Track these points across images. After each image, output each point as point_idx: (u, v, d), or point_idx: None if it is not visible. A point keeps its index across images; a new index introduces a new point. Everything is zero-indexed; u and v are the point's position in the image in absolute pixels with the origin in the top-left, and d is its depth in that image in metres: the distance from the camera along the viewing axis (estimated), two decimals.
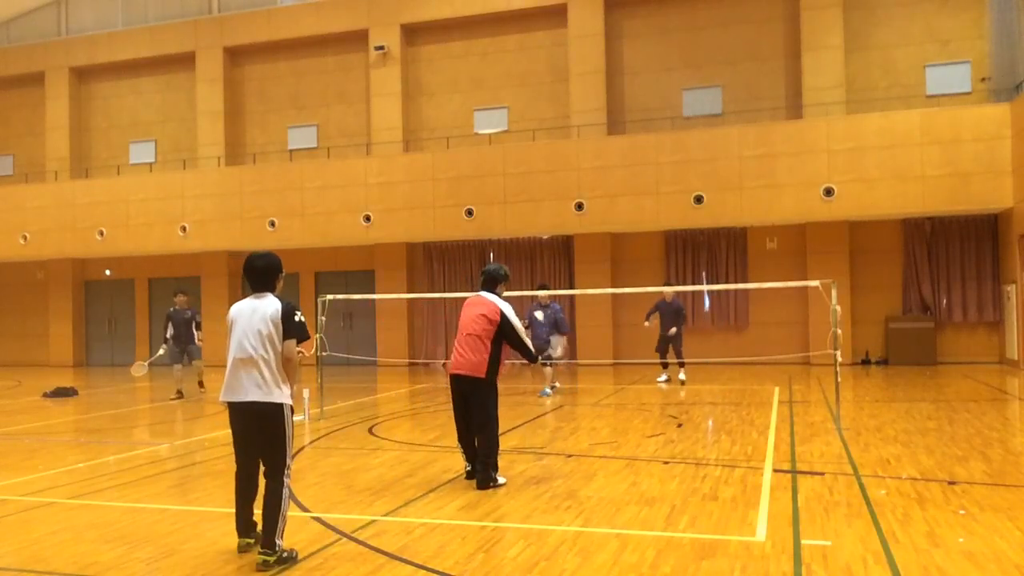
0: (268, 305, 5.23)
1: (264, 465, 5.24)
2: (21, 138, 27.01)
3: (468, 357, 7.18)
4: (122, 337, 25.84)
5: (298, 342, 5.22)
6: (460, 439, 7.47)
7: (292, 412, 5.25)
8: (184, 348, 15.49)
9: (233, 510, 5.48)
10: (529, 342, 7.47)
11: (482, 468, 7.08)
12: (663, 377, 16.13)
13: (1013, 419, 10.95)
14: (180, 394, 15.03)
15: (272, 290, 5.36)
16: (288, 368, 5.21)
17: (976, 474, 7.28)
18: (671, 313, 15.54)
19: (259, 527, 5.21)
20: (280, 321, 5.17)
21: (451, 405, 7.53)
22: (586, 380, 14.24)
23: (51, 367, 25.06)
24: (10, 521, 6.37)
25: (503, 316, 7.20)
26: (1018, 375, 16.55)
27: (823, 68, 19.80)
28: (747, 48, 20.87)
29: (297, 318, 5.22)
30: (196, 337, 15.65)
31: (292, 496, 5.15)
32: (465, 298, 7.73)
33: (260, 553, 5.06)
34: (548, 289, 14.83)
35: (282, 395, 5.18)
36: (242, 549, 5.32)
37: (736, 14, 20.96)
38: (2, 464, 8.85)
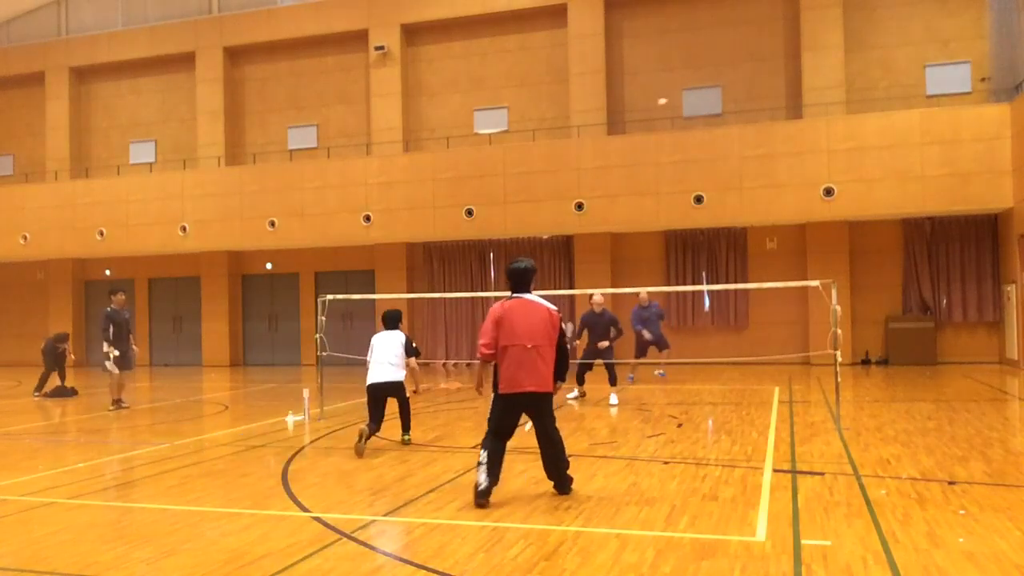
0: (398, 335, 9.58)
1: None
2: (21, 138, 27.02)
3: (540, 370, 6.52)
4: None
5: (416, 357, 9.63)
6: (495, 462, 6.52)
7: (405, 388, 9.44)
8: (123, 352, 13.85)
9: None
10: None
11: (566, 478, 6.79)
12: (574, 393, 13.79)
13: (1013, 419, 10.95)
14: (120, 403, 13.83)
15: (397, 327, 9.71)
16: (409, 371, 9.58)
17: (976, 474, 7.27)
18: (603, 326, 13.46)
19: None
20: (405, 345, 9.54)
21: (499, 416, 6.63)
22: (586, 380, 14.23)
23: None
24: (10, 521, 6.37)
25: (560, 322, 6.73)
26: (1018, 375, 16.55)
27: (823, 68, 19.81)
28: (747, 48, 20.88)
29: (413, 344, 9.65)
30: (132, 341, 14.16)
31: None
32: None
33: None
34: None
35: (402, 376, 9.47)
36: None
37: (736, 14, 20.97)
38: (2, 464, 8.86)
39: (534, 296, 6.78)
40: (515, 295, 6.78)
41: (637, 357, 16.68)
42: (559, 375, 6.76)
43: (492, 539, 5.54)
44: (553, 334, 6.62)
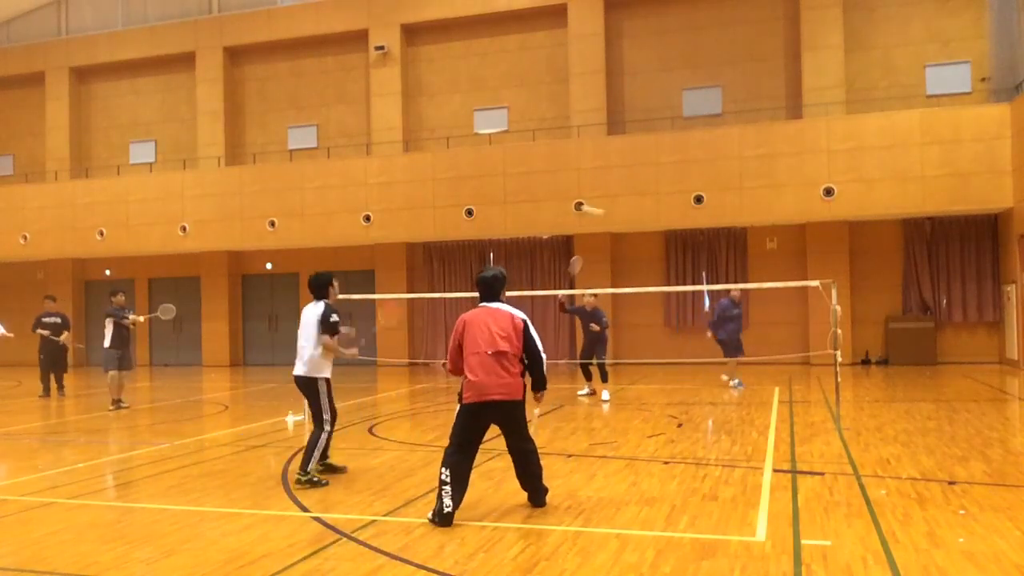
0: (318, 308, 7.62)
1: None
2: (21, 138, 27.02)
3: (505, 378, 6.05)
4: None
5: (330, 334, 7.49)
6: (459, 480, 5.97)
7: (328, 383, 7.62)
8: (123, 352, 13.87)
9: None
10: (545, 362, 6.38)
11: (540, 488, 6.39)
12: (584, 390, 14.13)
13: (1013, 419, 10.95)
14: (120, 403, 13.71)
15: (323, 296, 7.71)
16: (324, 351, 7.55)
17: (976, 474, 7.27)
18: (594, 319, 13.88)
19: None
20: (320, 318, 7.55)
21: (462, 428, 6.15)
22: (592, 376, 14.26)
23: None
24: (10, 521, 6.36)
25: (527, 327, 6.24)
26: (1018, 375, 16.55)
27: (823, 68, 19.80)
28: (747, 48, 20.88)
29: (332, 318, 7.51)
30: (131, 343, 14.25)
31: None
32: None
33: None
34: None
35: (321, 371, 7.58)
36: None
37: (736, 14, 20.97)
38: (2, 464, 8.86)
39: (500, 304, 6.37)
40: (481, 304, 6.41)
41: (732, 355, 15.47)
42: (538, 384, 6.31)
43: (492, 539, 5.54)
44: (517, 340, 6.17)
